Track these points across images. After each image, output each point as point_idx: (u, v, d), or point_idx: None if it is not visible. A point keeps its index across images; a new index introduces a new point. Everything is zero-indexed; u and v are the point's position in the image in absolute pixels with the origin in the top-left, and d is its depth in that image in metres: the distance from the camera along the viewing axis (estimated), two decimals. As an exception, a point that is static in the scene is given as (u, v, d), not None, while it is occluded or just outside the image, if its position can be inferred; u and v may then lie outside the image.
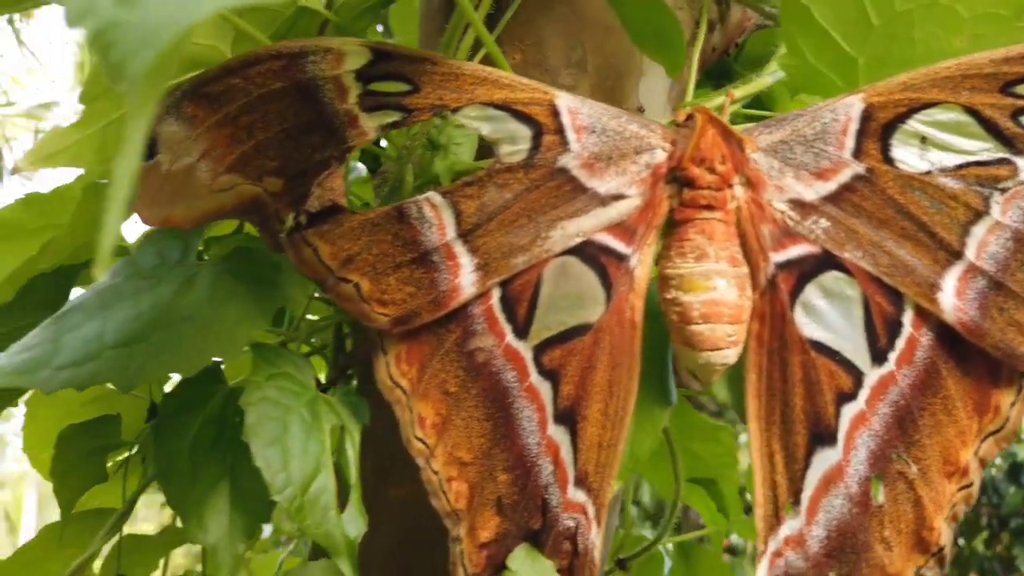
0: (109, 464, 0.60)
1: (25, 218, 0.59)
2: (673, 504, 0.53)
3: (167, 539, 0.65)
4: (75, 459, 0.54)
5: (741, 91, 0.41)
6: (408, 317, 0.37)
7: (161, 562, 0.65)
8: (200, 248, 0.44)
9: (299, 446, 0.38)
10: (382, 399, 0.41)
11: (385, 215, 0.37)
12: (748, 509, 0.63)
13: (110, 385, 0.55)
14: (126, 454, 0.57)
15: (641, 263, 0.37)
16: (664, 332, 0.39)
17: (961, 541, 3.73)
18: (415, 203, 0.37)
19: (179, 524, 0.67)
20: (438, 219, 0.37)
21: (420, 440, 0.38)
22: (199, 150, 0.37)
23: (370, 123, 0.37)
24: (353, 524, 0.39)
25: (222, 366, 0.45)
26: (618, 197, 0.36)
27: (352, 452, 0.40)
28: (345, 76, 0.36)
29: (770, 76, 0.43)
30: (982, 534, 3.71)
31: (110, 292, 0.40)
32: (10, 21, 4.81)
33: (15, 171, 0.39)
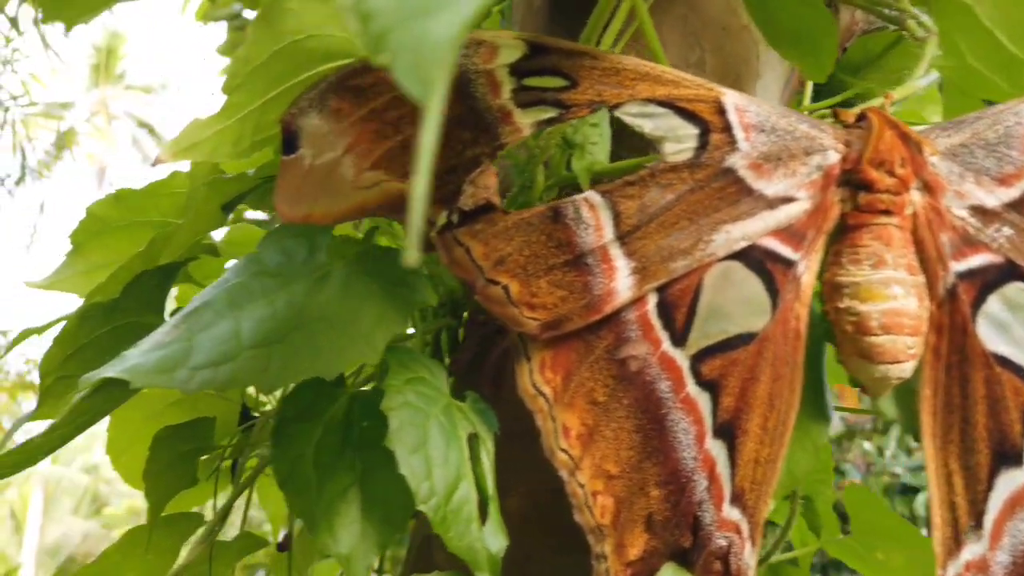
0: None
1: (114, 214, 0.58)
2: (787, 523, 0.52)
3: (243, 544, 0.64)
4: (168, 461, 0.53)
5: (899, 93, 0.39)
6: (558, 322, 0.36)
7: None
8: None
9: (440, 454, 0.37)
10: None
11: (540, 215, 0.35)
12: (844, 522, 0.61)
13: None
14: (217, 458, 0.56)
15: (808, 270, 0.35)
16: (819, 344, 0.38)
17: None
18: (572, 203, 0.35)
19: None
20: (595, 220, 0.35)
21: (564, 451, 0.37)
22: (343, 145, 0.36)
23: (524, 119, 0.35)
24: (494, 538, 0.37)
25: (345, 377, 0.43)
26: (786, 200, 0.35)
27: (488, 462, 0.39)
28: (499, 70, 0.35)
29: (923, 79, 0.41)
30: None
31: (238, 290, 0.39)
32: (35, 21, 4.84)
33: (156, 162, 0.37)
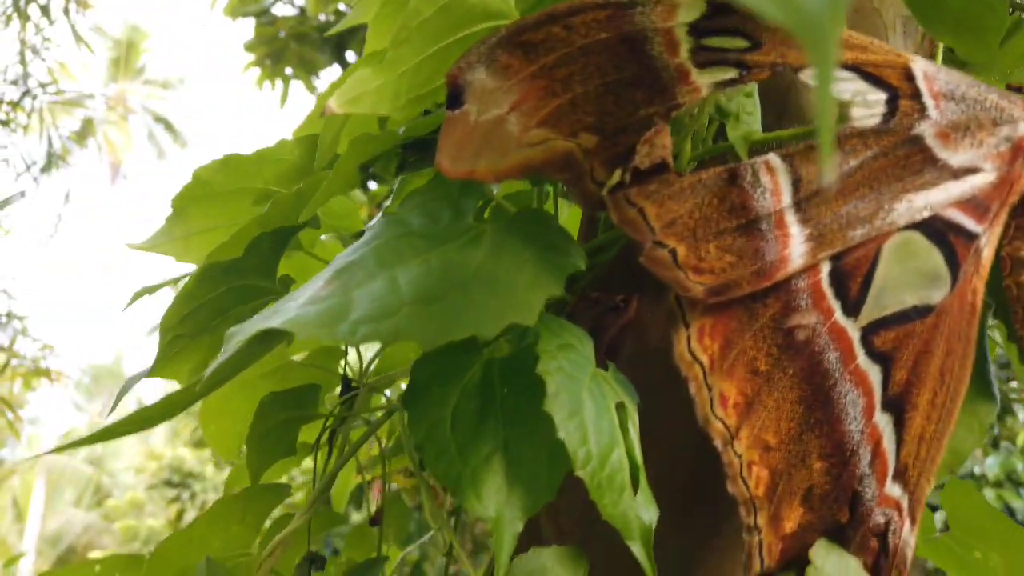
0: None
1: (220, 179, 0.57)
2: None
3: (320, 520, 0.63)
4: (271, 428, 0.52)
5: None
6: (725, 287, 0.35)
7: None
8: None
9: (593, 420, 0.36)
10: None
11: (716, 176, 0.35)
12: (945, 527, 0.60)
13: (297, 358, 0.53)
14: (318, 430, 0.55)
15: (989, 244, 0.34)
16: (984, 321, 0.37)
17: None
18: (751, 165, 0.34)
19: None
20: (774, 184, 0.34)
21: (720, 420, 0.36)
22: (510, 102, 0.35)
23: (703, 79, 0.34)
24: (645, 509, 0.36)
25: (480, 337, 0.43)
26: (971, 171, 0.34)
27: (634, 432, 0.38)
28: (677, 28, 0.34)
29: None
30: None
31: (386, 250, 0.38)
32: (66, 11, 4.86)
33: (326, 112, 0.37)
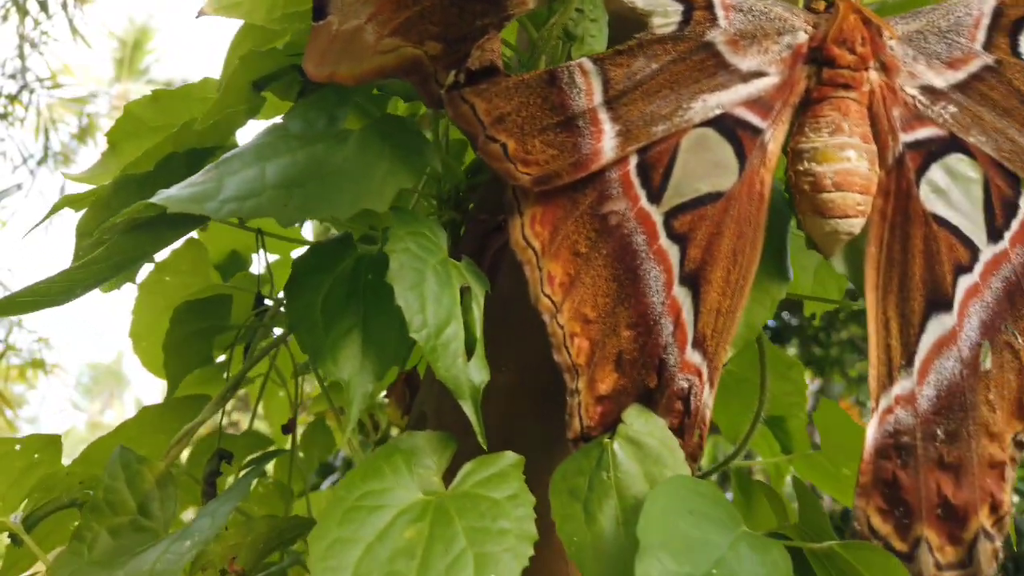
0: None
1: (150, 115, 0.62)
2: (752, 424, 0.55)
3: (249, 440, 0.68)
4: (186, 336, 0.57)
5: (869, -2, 0.43)
6: (548, 177, 0.40)
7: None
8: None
9: (434, 295, 0.41)
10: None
11: (538, 78, 0.40)
12: (816, 446, 0.65)
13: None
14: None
15: (774, 139, 0.39)
16: (784, 211, 0.42)
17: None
18: (567, 68, 0.39)
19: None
20: (587, 85, 0.39)
21: (548, 297, 0.41)
22: (367, 13, 0.40)
23: (530, -8, 0.39)
24: (477, 372, 0.41)
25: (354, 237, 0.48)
26: (758, 74, 0.39)
27: (477, 311, 0.43)
28: (509, -50, 0.39)
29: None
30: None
31: (265, 147, 0.43)
32: (64, 6, 4.92)
33: (200, 14, 0.42)
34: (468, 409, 0.41)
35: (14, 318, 5.53)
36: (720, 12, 0.39)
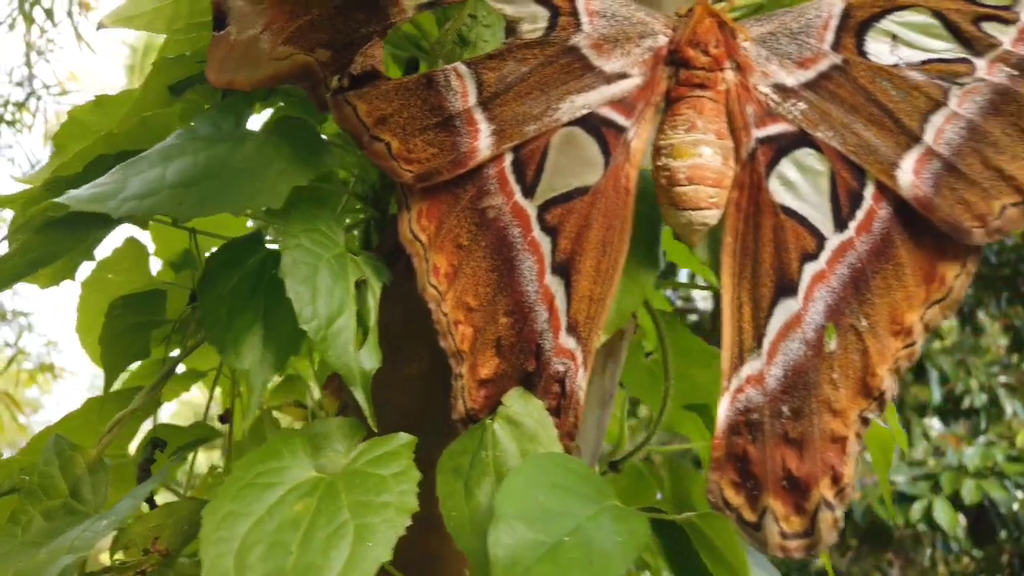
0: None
1: (93, 119, 0.65)
2: (660, 410, 0.58)
3: (198, 431, 0.70)
4: (122, 330, 0.60)
5: (740, 1, 0.45)
6: (430, 174, 0.43)
7: (190, 456, 0.71)
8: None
9: (326, 288, 0.43)
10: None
11: (416, 81, 0.42)
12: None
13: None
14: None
15: (638, 136, 0.42)
16: (655, 207, 0.44)
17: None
18: (443, 72, 0.42)
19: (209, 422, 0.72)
20: (462, 87, 0.42)
21: (434, 287, 0.43)
22: (262, 23, 0.43)
23: (409, 3, 0.42)
24: (368, 359, 0.44)
25: (265, 235, 0.50)
26: (622, 76, 0.41)
27: (372, 302, 0.46)
28: (389, -40, 0.42)
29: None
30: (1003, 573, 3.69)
31: (171, 149, 0.46)
32: (69, 14, 4.98)
33: (99, 26, 0.45)
34: (358, 394, 0.43)
35: (23, 321, 5.60)
36: (584, 18, 0.41)
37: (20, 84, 5.08)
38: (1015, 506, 3.46)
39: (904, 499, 3.61)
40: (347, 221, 0.56)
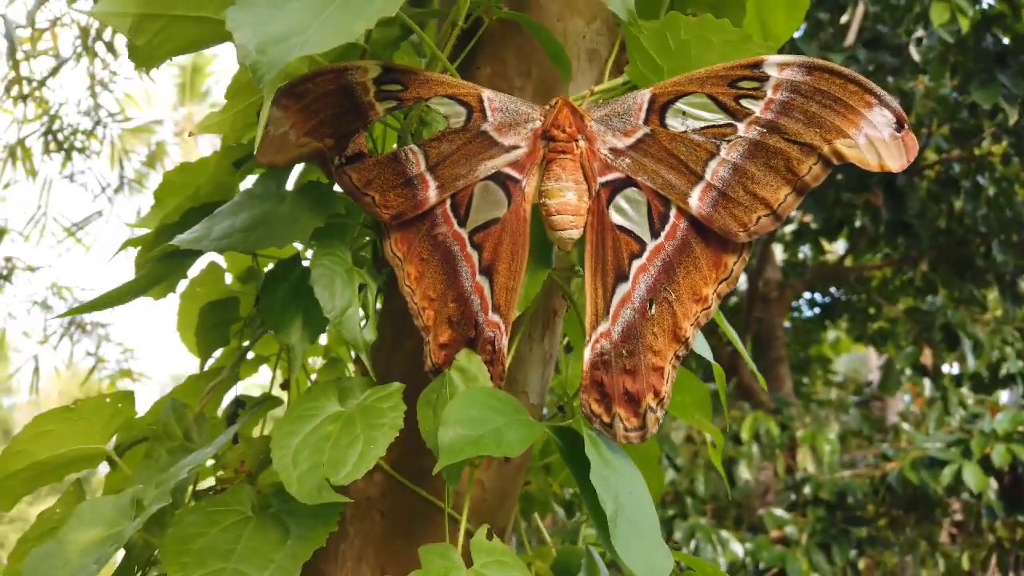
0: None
1: (179, 180, 0.91)
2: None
3: (269, 399, 0.96)
4: (210, 326, 0.86)
5: (599, 88, 0.69)
6: (400, 215, 0.67)
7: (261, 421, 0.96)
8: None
9: (340, 291, 0.68)
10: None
11: (388, 157, 0.67)
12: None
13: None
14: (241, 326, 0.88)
15: (528, 184, 0.65)
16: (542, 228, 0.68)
17: None
18: (404, 151, 0.66)
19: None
20: (416, 160, 0.66)
21: (408, 287, 0.68)
22: (289, 124, 0.68)
23: (381, 108, 0.66)
24: (368, 334, 0.69)
25: (301, 257, 0.75)
26: (515, 147, 0.65)
27: (371, 297, 0.70)
28: (368, 81, 0.66)
29: (621, 79, 0.71)
30: None
31: (238, 205, 0.71)
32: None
33: (191, 134, 0.70)
34: (364, 357, 0.68)
35: (102, 331, 6.03)
36: (489, 112, 0.65)
37: (87, 113, 5.47)
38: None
39: (935, 464, 3.75)
40: (366, 239, 0.81)
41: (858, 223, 5.20)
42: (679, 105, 0.63)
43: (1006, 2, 3.72)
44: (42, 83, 4.97)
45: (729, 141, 0.62)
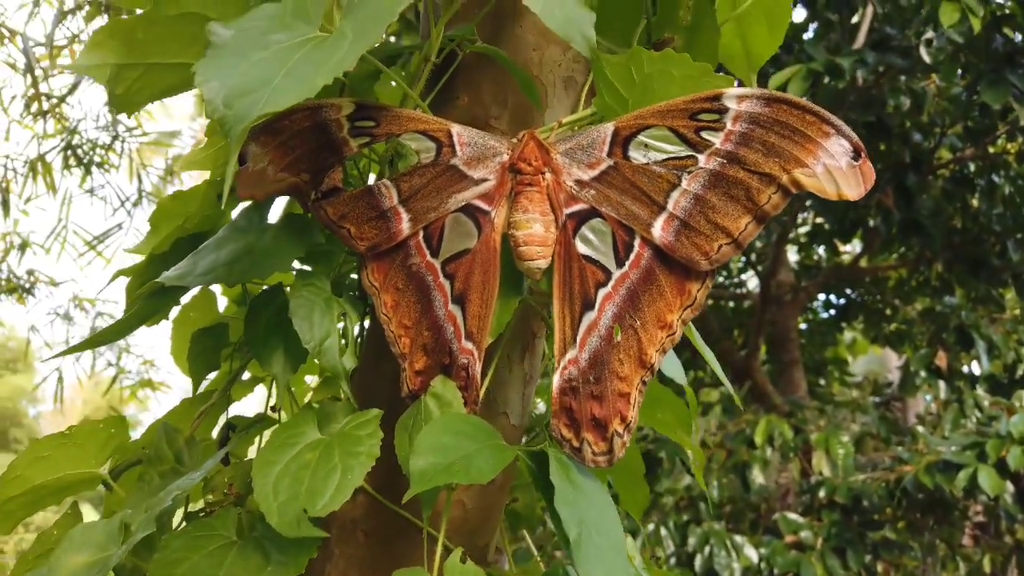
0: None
1: (173, 206, 0.93)
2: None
3: (257, 419, 0.98)
4: (201, 350, 0.89)
5: (567, 120, 0.71)
6: (375, 247, 0.69)
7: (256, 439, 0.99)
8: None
9: (319, 321, 0.71)
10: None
11: (362, 192, 0.69)
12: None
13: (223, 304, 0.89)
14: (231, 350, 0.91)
15: (497, 216, 0.67)
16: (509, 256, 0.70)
17: None
18: (377, 185, 0.69)
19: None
20: (389, 193, 0.68)
21: (385, 315, 0.70)
22: (267, 160, 0.70)
23: (354, 144, 0.69)
24: (348, 362, 0.71)
25: (284, 285, 0.78)
26: (484, 180, 0.67)
27: (350, 325, 0.72)
28: (342, 118, 0.68)
29: (589, 111, 0.73)
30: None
31: (221, 239, 0.74)
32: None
33: (173, 173, 0.72)
34: (343, 384, 0.70)
35: (122, 342, 6.12)
36: (458, 147, 0.67)
37: (105, 128, 5.55)
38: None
39: (950, 467, 3.73)
40: (353, 265, 0.83)
41: (871, 223, 5.18)
42: (641, 138, 0.65)
43: (1016, 2, 3.70)
44: (62, 100, 5.04)
45: (690, 172, 0.64)
